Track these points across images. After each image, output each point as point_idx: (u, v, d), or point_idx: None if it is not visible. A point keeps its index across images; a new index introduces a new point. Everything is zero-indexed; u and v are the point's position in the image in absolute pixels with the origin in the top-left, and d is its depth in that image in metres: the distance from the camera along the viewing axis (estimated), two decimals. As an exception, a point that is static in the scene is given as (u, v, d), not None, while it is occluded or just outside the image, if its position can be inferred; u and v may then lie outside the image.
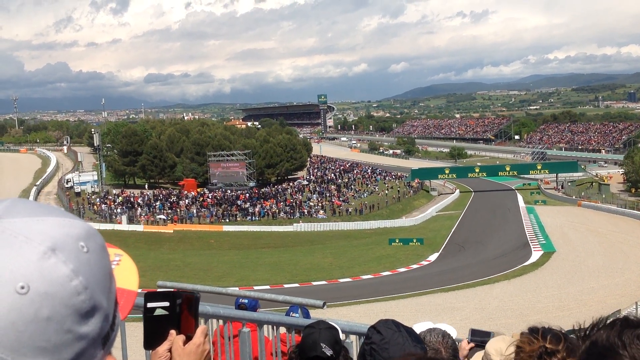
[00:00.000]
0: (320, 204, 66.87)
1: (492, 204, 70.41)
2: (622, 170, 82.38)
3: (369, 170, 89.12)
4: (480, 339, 3.50)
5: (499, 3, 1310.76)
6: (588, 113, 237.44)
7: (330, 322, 3.12)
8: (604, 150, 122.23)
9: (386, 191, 74.85)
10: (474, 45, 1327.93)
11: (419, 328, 3.18)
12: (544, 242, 48.37)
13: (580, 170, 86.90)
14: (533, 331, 2.12)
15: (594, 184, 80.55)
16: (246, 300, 5.04)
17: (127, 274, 1.06)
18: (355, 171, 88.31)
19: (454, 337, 3.29)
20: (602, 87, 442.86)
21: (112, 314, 0.87)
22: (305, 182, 78.00)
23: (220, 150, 77.54)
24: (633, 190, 74.64)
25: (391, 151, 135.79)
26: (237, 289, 33.03)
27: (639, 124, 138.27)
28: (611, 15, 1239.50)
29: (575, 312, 28.91)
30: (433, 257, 46.91)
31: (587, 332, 1.18)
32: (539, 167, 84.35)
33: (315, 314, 4.95)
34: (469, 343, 3.58)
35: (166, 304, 1.45)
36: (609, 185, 77.90)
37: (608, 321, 1.11)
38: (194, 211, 63.02)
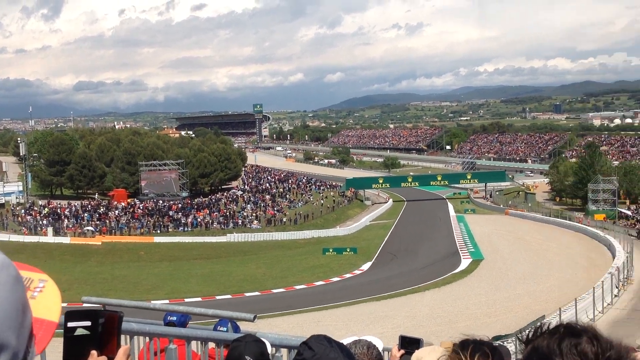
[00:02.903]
0: (254, 214, 66.52)
1: (424, 213, 71.62)
2: (547, 179, 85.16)
3: (304, 180, 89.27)
4: (409, 345, 3.51)
5: (433, 16, 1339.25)
6: (516, 124, 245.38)
7: (258, 336, 3.11)
8: (530, 160, 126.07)
9: (321, 201, 75.11)
10: (408, 57, 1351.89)
11: (346, 342, 3.17)
12: (473, 250, 49.45)
13: (508, 179, 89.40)
14: (464, 346, 2.06)
15: (520, 193, 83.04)
16: (175, 317, 4.92)
17: (48, 303, 0.99)
18: (290, 181, 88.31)
19: (380, 349, 3.31)
20: (529, 99, 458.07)
21: (23, 351, 0.81)
22: (240, 192, 77.46)
23: (152, 159, 76.12)
24: (557, 199, 77.29)
25: (326, 161, 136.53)
26: (167, 302, 32.50)
27: (563, 134, 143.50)
28: (539, 30, 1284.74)
29: (503, 318, 29.63)
30: (366, 266, 47.25)
31: (530, 336, 1.19)
32: (468, 177, 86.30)
33: (247, 328, 4.88)
34: (399, 350, 3.59)
35: (87, 323, 1.40)
36: (534, 194, 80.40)
37: (552, 326, 1.18)
38: (124, 222, 61.64)
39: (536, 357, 1.12)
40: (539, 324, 1.13)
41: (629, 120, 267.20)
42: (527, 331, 1.22)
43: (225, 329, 4.61)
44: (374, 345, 3.22)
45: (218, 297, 37.42)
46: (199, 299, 36.38)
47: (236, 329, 4.75)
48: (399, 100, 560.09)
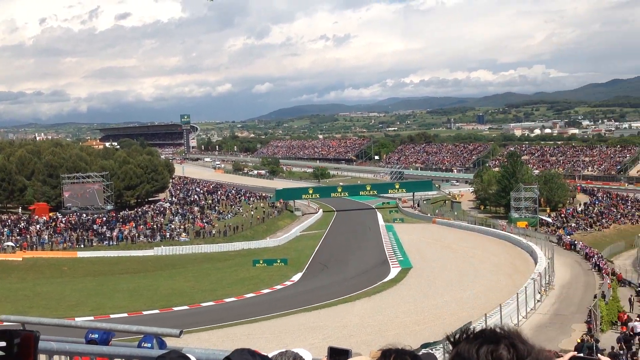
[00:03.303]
0: (182, 227, 65.40)
1: (353, 223, 72.19)
2: (472, 188, 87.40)
3: (233, 191, 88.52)
4: (338, 356, 3.43)
5: (360, 28, 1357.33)
6: (441, 134, 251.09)
7: (184, 352, 2.96)
8: (455, 170, 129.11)
9: (251, 212, 74.61)
10: (336, 68, 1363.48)
11: (272, 355, 3.12)
12: (402, 258, 50.15)
13: (434, 189, 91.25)
14: (385, 356, 2.03)
15: (447, 202, 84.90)
16: (97, 334, 4.68)
17: None
18: (219, 192, 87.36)
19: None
20: (454, 109, 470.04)
21: None
22: (167, 204, 76.05)
23: (75, 172, 73.78)
24: (482, 207, 79.37)
25: (256, 172, 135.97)
26: (91, 318, 31.47)
27: (487, 145, 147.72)
28: (462, 42, 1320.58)
29: (431, 325, 30.07)
30: (297, 277, 47.13)
31: (457, 338, 1.23)
32: (397, 187, 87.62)
33: (174, 343, 4.70)
34: None
35: (3, 344, 1.38)
36: (460, 203, 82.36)
37: (476, 330, 1.19)
38: (46, 237, 59.46)
39: None
40: (467, 326, 1.22)
41: (548, 131, 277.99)
42: (456, 334, 1.24)
43: (149, 345, 4.44)
44: (301, 357, 3.16)
45: (145, 313, 36.47)
46: (125, 314, 35.39)
47: (162, 344, 4.57)
48: (327, 110, 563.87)
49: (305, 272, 48.83)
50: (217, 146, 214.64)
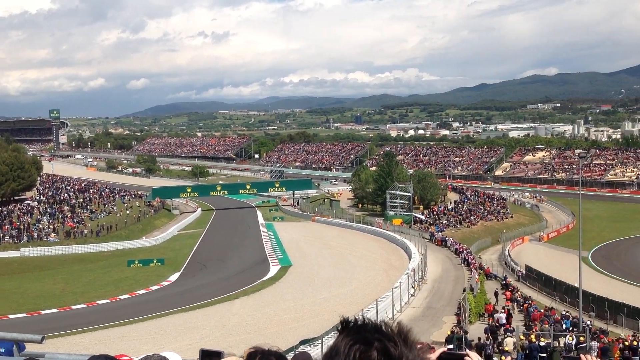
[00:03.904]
0: (51, 227, 62.19)
1: (233, 222, 71.65)
2: (350, 187, 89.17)
3: (106, 190, 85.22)
4: (210, 358, 3.32)
5: (240, 26, 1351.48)
6: (320, 134, 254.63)
7: (47, 358, 2.75)
8: (334, 169, 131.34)
9: (126, 211, 72.14)
10: (215, 65, 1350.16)
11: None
12: (282, 256, 50.36)
13: (314, 187, 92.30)
14: (251, 358, 2.05)
15: (326, 200, 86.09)
16: None
17: None
18: (91, 191, 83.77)
19: None
20: (333, 110, 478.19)
21: None
22: (35, 203, 72.02)
23: None
24: (360, 205, 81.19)
25: (131, 169, 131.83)
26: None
27: (364, 144, 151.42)
28: (340, 44, 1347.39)
29: (310, 322, 30.38)
30: (174, 277, 46.11)
31: (342, 327, 1.23)
32: (277, 185, 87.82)
33: (36, 348, 4.40)
34: None
35: None
36: (339, 201, 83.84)
37: (364, 322, 1.19)
38: None
39: (330, 353, 1.15)
40: (358, 316, 1.20)
41: (421, 132, 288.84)
42: (343, 322, 1.24)
43: (3, 349, 4.13)
44: None
45: (11, 317, 34.41)
46: (-12, 320, 33.16)
47: (22, 348, 4.28)
48: (206, 108, 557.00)
49: (183, 271, 47.88)
50: (89, 143, 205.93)
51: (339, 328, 1.24)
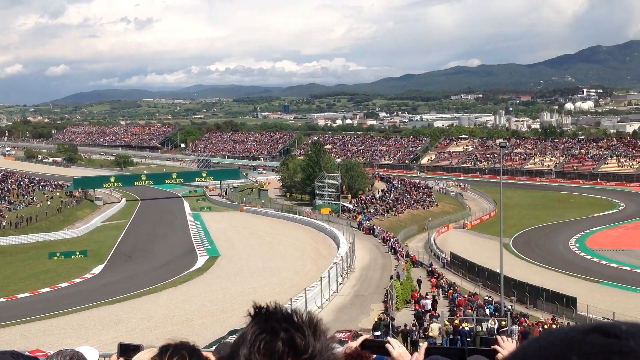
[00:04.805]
0: (-34, 219, 59.45)
1: (159, 212, 70.40)
2: (278, 176, 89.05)
3: (25, 180, 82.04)
4: (129, 352, 3.24)
5: (164, 12, 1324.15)
6: (248, 123, 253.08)
7: None
8: (262, 158, 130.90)
9: (47, 202, 69.70)
10: (138, 52, 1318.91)
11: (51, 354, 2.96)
12: (209, 247, 49.88)
13: (242, 177, 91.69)
14: (162, 352, 2.03)
15: (254, 189, 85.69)
16: None
17: None
18: (9, 181, 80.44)
19: (94, 358, 3.20)
20: (260, 99, 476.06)
21: None
22: (-52, 194, 68.67)
23: None
24: (288, 195, 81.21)
25: (51, 159, 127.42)
26: None
27: (292, 134, 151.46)
28: (267, 32, 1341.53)
29: (238, 312, 30.15)
30: (98, 269, 44.94)
31: (254, 313, 1.24)
32: (204, 175, 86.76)
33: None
34: (118, 358, 3.32)
35: None
36: (267, 190, 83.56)
37: (282, 310, 1.17)
38: None
39: (238, 342, 1.15)
40: (270, 304, 1.17)
41: (349, 121, 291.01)
42: (256, 309, 1.23)
43: None
44: (79, 355, 3.02)
45: None
46: None
47: None
48: (130, 96, 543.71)
49: (107, 263, 46.72)
50: (6, 132, 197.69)
51: (250, 315, 1.22)
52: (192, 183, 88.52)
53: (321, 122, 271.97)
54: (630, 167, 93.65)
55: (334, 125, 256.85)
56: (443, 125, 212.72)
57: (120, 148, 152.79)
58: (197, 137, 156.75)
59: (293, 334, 1.13)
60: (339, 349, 2.28)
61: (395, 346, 2.29)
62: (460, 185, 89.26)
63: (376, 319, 26.12)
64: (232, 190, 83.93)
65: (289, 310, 1.21)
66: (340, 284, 36.21)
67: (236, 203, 75.43)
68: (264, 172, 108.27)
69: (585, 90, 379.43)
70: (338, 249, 44.21)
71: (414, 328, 25.06)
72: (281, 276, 39.18)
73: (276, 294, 33.43)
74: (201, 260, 45.21)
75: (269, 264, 43.04)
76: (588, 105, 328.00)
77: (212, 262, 44.27)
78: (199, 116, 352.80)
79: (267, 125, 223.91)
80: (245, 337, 1.13)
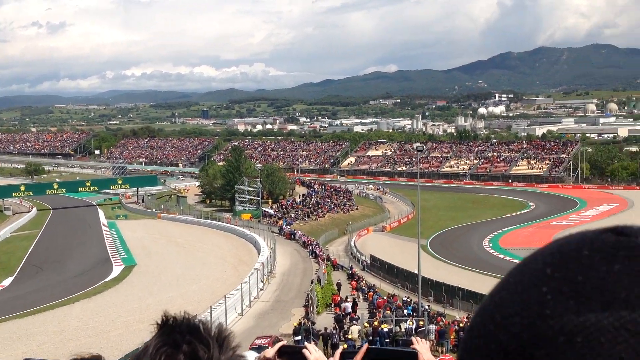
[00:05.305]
0: None
1: (72, 221, 68.04)
2: (198, 182, 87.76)
3: None
4: None
5: (77, 16, 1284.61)
6: (166, 129, 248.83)
7: None
8: (181, 164, 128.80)
9: (-51, 213, 66.20)
10: (50, 57, 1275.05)
11: None
12: (125, 256, 48.59)
13: (160, 184, 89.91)
14: None
15: (172, 196, 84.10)
16: None
17: None
18: None
19: None
20: (178, 104, 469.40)
21: None
22: None
23: None
24: (208, 201, 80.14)
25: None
26: None
27: (211, 139, 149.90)
28: (185, 37, 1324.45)
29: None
30: (7, 282, 42.97)
31: (160, 325, 1.16)
32: (119, 182, 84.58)
33: None
34: None
35: None
36: (186, 197, 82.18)
37: (179, 321, 1.14)
38: None
39: (139, 354, 1.11)
40: (178, 314, 1.11)
41: (269, 126, 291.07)
42: (163, 319, 1.15)
43: None
44: None
45: None
46: None
47: None
48: (41, 102, 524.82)
49: (17, 275, 44.73)
50: None
51: (156, 326, 1.16)
52: (107, 191, 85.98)
53: (241, 128, 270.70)
54: (540, 168, 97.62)
55: (254, 130, 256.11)
56: (362, 129, 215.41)
57: (30, 156, 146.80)
58: (112, 143, 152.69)
59: (196, 346, 1.08)
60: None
61: (312, 351, 2.22)
62: (379, 189, 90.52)
63: (296, 324, 26.05)
64: (149, 197, 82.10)
65: (196, 322, 1.14)
66: (261, 289, 35.98)
67: (154, 210, 73.81)
68: (183, 178, 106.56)
69: (497, 95, 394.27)
70: (259, 254, 43.95)
71: (334, 331, 25.14)
72: (200, 284, 38.57)
73: (195, 302, 32.86)
74: (117, 269, 43.94)
75: (188, 271, 42.29)
76: (500, 109, 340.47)
77: (129, 271, 43.11)
78: (115, 122, 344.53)
79: (186, 131, 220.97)
80: (147, 349, 1.09)
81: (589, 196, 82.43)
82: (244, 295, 31.66)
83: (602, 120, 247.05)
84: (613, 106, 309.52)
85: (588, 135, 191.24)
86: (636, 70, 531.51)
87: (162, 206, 75.80)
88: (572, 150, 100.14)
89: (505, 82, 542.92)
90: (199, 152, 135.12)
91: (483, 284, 39.83)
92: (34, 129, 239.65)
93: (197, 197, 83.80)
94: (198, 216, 67.47)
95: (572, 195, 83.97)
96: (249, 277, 33.87)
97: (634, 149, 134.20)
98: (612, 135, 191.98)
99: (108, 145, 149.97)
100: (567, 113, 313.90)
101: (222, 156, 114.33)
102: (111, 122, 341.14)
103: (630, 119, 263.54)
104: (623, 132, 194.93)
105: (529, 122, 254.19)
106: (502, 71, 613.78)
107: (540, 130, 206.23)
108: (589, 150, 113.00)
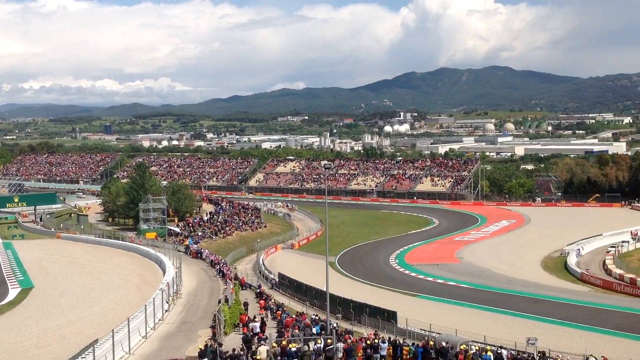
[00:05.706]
0: None
1: (-37, 242, 64.23)
2: (99, 200, 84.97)
3: None
4: None
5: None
6: (66, 144, 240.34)
7: None
8: (82, 181, 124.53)
9: None
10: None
11: None
12: (22, 278, 46.36)
13: (59, 202, 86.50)
14: None
15: (72, 215, 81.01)
16: None
17: None
18: None
19: None
20: (79, 119, 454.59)
21: None
22: None
23: None
24: (110, 219, 77.69)
25: None
26: None
27: (114, 155, 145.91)
28: (86, 50, 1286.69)
29: (55, 347, 28.16)
30: None
31: None
32: (16, 200, 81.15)
33: None
34: None
35: None
36: (87, 215, 79.41)
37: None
38: None
39: None
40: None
41: (175, 142, 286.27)
42: None
43: None
44: None
45: None
46: None
47: None
48: None
49: None
50: None
51: None
52: (3, 209, 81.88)
53: (146, 144, 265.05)
54: (443, 186, 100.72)
55: (160, 146, 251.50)
56: (271, 146, 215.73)
57: None
58: (8, 159, 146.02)
59: None
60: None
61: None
62: (288, 206, 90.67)
63: (201, 346, 25.46)
64: (47, 216, 78.71)
65: None
66: (167, 311, 35.00)
67: (52, 230, 70.76)
68: (84, 196, 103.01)
69: (402, 113, 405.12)
70: (164, 274, 42.83)
71: (242, 352, 24.73)
72: (102, 306, 37.16)
73: (97, 325, 31.65)
74: (13, 292, 41.74)
75: (90, 293, 40.69)
76: (405, 127, 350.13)
77: (25, 294, 41.03)
78: (11, 137, 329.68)
79: (87, 147, 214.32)
80: None
81: (488, 213, 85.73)
82: (148, 317, 30.67)
83: (500, 140, 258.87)
84: (510, 126, 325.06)
85: (487, 153, 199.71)
86: (531, 92, 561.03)
87: (61, 225, 72.77)
88: (472, 168, 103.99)
89: (410, 101, 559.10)
90: (101, 168, 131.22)
91: (390, 299, 40.55)
92: None
93: (99, 216, 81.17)
94: (100, 235, 65.21)
95: (473, 211, 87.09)
96: (154, 298, 32.87)
97: (529, 167, 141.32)
98: (509, 154, 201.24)
99: (4, 162, 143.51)
100: (467, 132, 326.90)
101: (125, 173, 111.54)
102: (7, 137, 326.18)
103: (526, 139, 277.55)
104: (519, 151, 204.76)
105: (432, 141, 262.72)
106: (406, 90, 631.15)
107: (442, 149, 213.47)
108: (488, 168, 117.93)
